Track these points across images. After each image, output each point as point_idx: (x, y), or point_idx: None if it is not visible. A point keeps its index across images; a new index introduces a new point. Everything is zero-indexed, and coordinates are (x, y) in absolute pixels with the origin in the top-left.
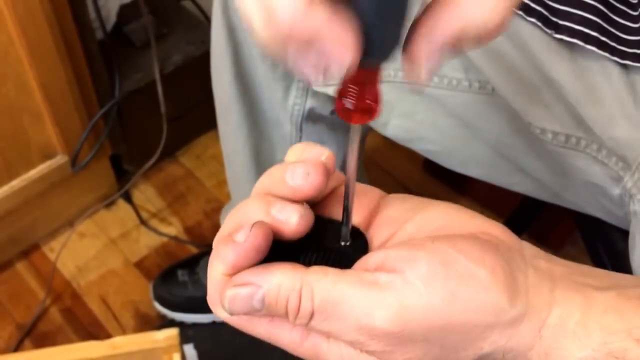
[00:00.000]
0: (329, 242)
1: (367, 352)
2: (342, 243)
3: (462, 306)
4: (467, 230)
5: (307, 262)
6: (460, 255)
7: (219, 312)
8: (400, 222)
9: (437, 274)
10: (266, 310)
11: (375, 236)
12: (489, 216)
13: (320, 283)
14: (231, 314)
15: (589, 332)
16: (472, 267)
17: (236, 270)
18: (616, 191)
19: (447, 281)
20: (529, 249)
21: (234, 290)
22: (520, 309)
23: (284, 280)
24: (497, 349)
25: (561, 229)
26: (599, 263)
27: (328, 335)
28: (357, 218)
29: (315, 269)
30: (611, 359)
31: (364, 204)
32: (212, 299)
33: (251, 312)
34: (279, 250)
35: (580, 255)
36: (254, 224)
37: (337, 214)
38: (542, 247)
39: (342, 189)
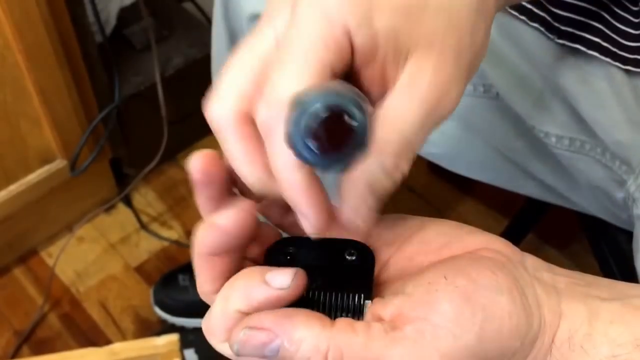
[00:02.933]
0: (334, 259)
1: None
2: (348, 257)
3: (494, 338)
4: (468, 248)
5: (317, 284)
6: (477, 287)
7: (219, 345)
8: (398, 244)
9: (463, 312)
10: None
11: (375, 259)
12: (494, 216)
13: (351, 345)
14: (238, 355)
15: (596, 345)
16: (492, 295)
17: (257, 311)
18: (620, 194)
19: (475, 317)
20: (531, 260)
21: (248, 332)
22: (536, 326)
23: (307, 337)
24: None
25: (566, 229)
26: (604, 264)
27: None
28: None
29: (343, 326)
30: None
31: None
32: (213, 330)
33: (260, 358)
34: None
35: (585, 254)
36: (297, 270)
37: None
38: (548, 247)
39: None
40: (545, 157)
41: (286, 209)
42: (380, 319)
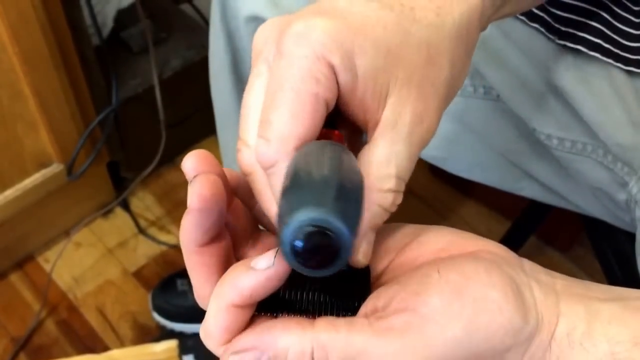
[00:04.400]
0: None
1: None
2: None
3: (483, 332)
4: (466, 250)
5: (311, 293)
6: (469, 281)
7: (218, 349)
8: (398, 250)
9: (452, 304)
10: None
11: (374, 267)
12: (496, 218)
13: (334, 342)
14: None
15: (596, 343)
16: (483, 290)
17: (250, 301)
18: (622, 196)
19: (464, 309)
20: (528, 264)
21: (235, 357)
22: (533, 324)
23: (291, 343)
24: None
25: (569, 230)
26: (607, 266)
27: None
28: None
29: (324, 324)
30: None
31: None
32: (211, 332)
33: None
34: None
35: (588, 257)
36: (278, 248)
37: None
38: (550, 249)
39: None
40: (547, 159)
41: None
42: (374, 310)
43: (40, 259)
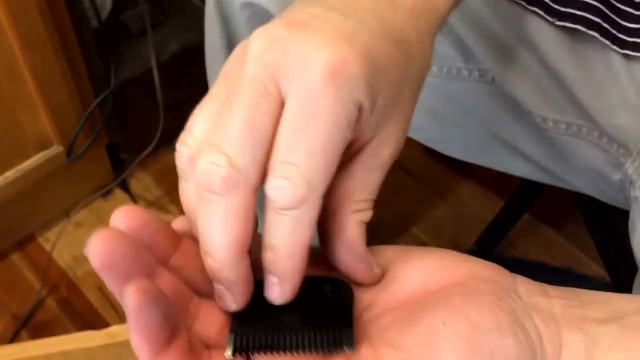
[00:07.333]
0: (311, 298)
1: None
2: (326, 295)
3: None
4: (456, 278)
5: (291, 331)
6: (479, 331)
7: None
8: (381, 279)
9: None
10: None
11: (358, 298)
12: (490, 197)
13: None
14: None
15: None
16: (497, 339)
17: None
18: (617, 177)
19: None
20: (523, 285)
21: None
22: None
23: None
24: None
25: (563, 208)
26: (600, 243)
27: None
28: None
29: None
30: None
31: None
32: None
33: None
34: (260, 312)
35: (582, 234)
36: (124, 289)
37: None
38: (544, 226)
39: None
40: (542, 140)
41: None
42: None
43: (41, 239)
